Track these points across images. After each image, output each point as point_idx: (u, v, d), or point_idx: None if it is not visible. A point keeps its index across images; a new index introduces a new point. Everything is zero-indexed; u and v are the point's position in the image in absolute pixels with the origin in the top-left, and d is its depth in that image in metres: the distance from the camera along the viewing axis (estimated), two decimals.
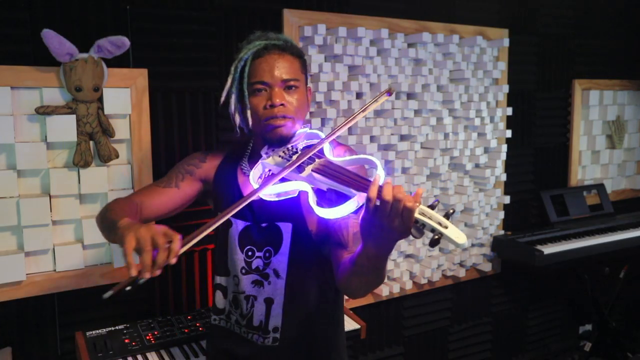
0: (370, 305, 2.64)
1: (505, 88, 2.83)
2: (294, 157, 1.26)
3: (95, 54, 1.86)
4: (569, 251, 2.85)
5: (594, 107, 3.35)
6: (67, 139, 1.87)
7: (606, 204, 3.39)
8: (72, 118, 1.87)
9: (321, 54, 2.30)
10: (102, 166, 1.96)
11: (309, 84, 1.44)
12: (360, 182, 1.10)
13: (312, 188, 1.18)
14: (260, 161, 1.33)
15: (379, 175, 1.07)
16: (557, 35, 3.18)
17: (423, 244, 2.67)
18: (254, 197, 1.18)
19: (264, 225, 1.41)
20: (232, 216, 1.39)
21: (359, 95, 2.40)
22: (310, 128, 1.40)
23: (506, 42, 2.77)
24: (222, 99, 1.38)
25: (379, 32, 2.40)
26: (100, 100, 1.91)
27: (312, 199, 1.16)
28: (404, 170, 2.58)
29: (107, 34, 1.87)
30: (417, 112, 2.57)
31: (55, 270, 1.94)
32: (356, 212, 1.10)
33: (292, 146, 1.33)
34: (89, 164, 1.92)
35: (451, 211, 1.00)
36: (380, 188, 1.01)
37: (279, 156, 1.31)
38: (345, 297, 2.40)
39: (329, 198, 1.16)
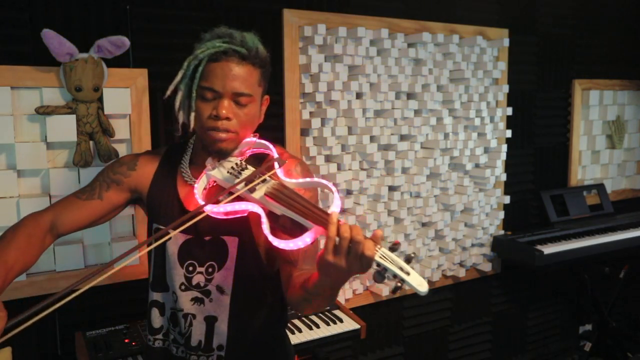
0: (370, 305, 2.64)
1: (505, 88, 2.83)
2: (244, 173, 1.19)
3: (95, 54, 1.86)
4: (569, 251, 2.85)
5: (594, 107, 3.35)
6: (67, 139, 1.87)
7: (606, 204, 3.39)
8: (72, 118, 1.87)
9: (321, 54, 2.30)
10: (102, 166, 1.96)
11: (265, 96, 1.34)
12: (317, 215, 1.05)
13: (264, 211, 1.13)
14: (205, 172, 1.27)
15: (335, 212, 1.03)
16: (557, 35, 3.18)
17: (423, 244, 2.67)
18: (201, 215, 1.12)
19: (207, 238, 1.30)
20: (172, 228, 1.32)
21: (359, 95, 2.40)
22: (258, 138, 1.32)
23: (506, 42, 2.77)
24: (168, 92, 1.27)
25: (379, 32, 2.40)
26: (100, 100, 1.91)
27: (265, 225, 1.11)
28: (404, 170, 2.58)
29: (107, 34, 1.87)
30: (417, 112, 2.57)
31: (55, 270, 1.94)
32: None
33: (241, 161, 1.26)
34: (89, 164, 1.92)
35: (412, 254, 0.97)
36: (339, 227, 0.99)
37: (228, 172, 1.24)
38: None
39: (282, 223, 1.12)
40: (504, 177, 2.88)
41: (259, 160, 1.32)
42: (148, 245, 1.12)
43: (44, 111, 1.82)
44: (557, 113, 3.26)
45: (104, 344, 1.82)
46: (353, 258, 0.97)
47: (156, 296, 1.39)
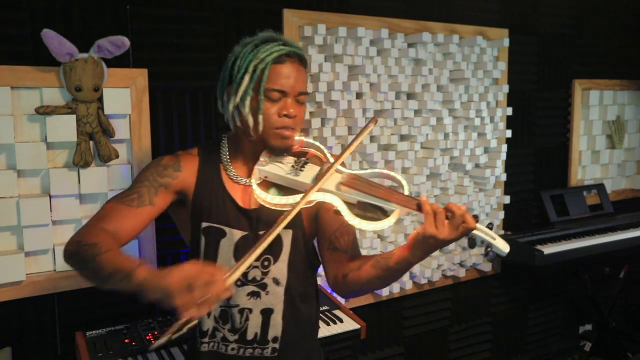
0: (370, 305, 2.64)
1: (505, 88, 2.83)
2: (306, 167, 1.30)
3: (95, 54, 1.86)
4: (569, 251, 2.85)
5: (594, 107, 3.35)
6: (67, 139, 1.87)
7: (606, 204, 3.39)
8: (72, 118, 1.87)
9: (321, 54, 2.30)
10: (102, 166, 1.96)
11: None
12: (401, 198, 1.20)
13: (341, 201, 1.22)
14: (257, 167, 1.31)
15: (423, 195, 1.21)
16: (557, 35, 3.18)
17: None
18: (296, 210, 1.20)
19: (261, 233, 1.34)
20: (225, 225, 1.34)
21: (359, 95, 2.40)
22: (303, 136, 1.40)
23: (506, 42, 2.77)
24: (238, 98, 1.30)
25: (379, 32, 2.40)
26: (100, 100, 1.91)
27: (346, 213, 1.21)
28: (404, 170, 2.58)
29: (107, 34, 1.87)
30: (417, 112, 2.57)
31: (55, 270, 1.94)
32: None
33: (299, 157, 1.35)
34: (89, 164, 1.92)
35: (490, 224, 1.19)
36: (448, 206, 1.15)
37: (291, 166, 1.31)
38: (340, 297, 2.39)
39: (358, 210, 1.21)
40: (504, 177, 2.88)
41: (297, 157, 1.38)
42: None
43: (44, 111, 1.82)
44: (557, 113, 3.26)
45: (104, 344, 1.82)
46: (454, 228, 1.14)
47: None
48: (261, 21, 2.22)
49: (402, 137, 2.55)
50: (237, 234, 1.35)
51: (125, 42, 1.87)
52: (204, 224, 1.36)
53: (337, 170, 1.28)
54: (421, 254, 1.21)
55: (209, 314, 1.39)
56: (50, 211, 1.90)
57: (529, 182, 3.19)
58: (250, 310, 1.37)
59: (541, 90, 3.16)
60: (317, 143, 1.39)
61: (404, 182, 1.27)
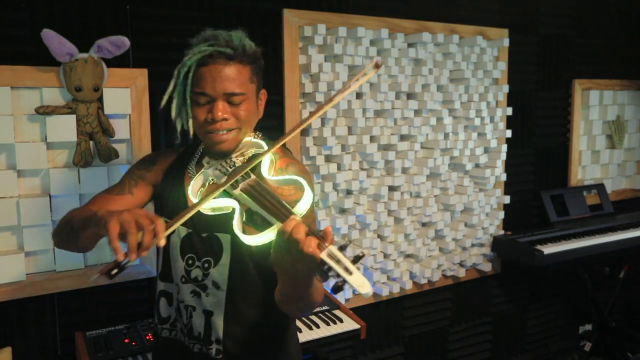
0: (370, 305, 2.64)
1: (505, 88, 2.83)
2: (230, 171, 1.22)
3: (95, 54, 1.86)
4: (569, 251, 2.85)
5: (594, 107, 3.35)
6: (67, 139, 1.87)
7: (606, 204, 3.39)
8: (72, 118, 1.87)
9: (321, 54, 2.30)
10: (102, 166, 1.96)
11: (262, 90, 1.36)
12: (280, 212, 1.07)
13: (239, 210, 1.16)
14: (202, 170, 1.30)
15: (305, 202, 1.07)
16: (557, 35, 3.18)
17: (423, 244, 2.67)
18: (193, 211, 1.16)
19: (204, 235, 1.34)
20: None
21: (358, 95, 2.40)
22: (256, 136, 1.34)
23: (506, 42, 2.77)
24: (163, 102, 1.30)
25: (379, 32, 2.40)
26: (100, 100, 1.91)
27: (237, 221, 1.13)
28: (404, 170, 2.58)
29: (107, 34, 1.87)
30: (417, 112, 2.57)
31: (55, 270, 1.94)
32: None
33: (230, 159, 1.29)
34: (89, 164, 1.92)
35: (361, 254, 0.97)
36: (295, 225, 1.00)
37: (217, 169, 1.27)
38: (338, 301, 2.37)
39: (255, 220, 1.14)
40: (504, 177, 2.88)
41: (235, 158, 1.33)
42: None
43: (44, 111, 1.82)
44: (557, 113, 3.26)
45: (104, 344, 1.82)
46: (296, 255, 0.99)
47: (164, 286, 1.42)
48: (261, 21, 2.22)
49: (402, 137, 2.55)
50: (182, 231, 1.36)
51: (125, 42, 1.87)
52: (164, 219, 1.38)
53: (251, 174, 1.20)
54: (286, 273, 1.08)
55: (170, 303, 1.41)
56: (50, 211, 1.90)
57: (529, 182, 3.19)
58: (194, 308, 1.36)
59: (541, 90, 3.16)
60: (263, 143, 1.31)
61: (306, 189, 1.12)
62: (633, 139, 3.57)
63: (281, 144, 1.24)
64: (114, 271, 1.07)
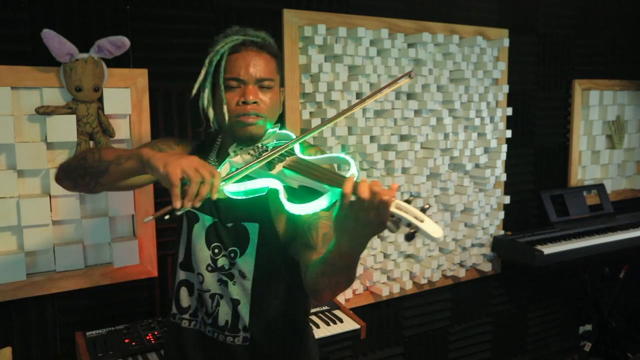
0: (370, 305, 2.64)
1: (505, 88, 2.83)
2: (264, 155, 1.22)
3: (95, 54, 1.86)
4: (569, 251, 2.85)
5: (594, 107, 3.35)
6: (67, 139, 1.87)
7: (606, 204, 3.39)
8: (72, 118, 1.87)
9: (321, 54, 2.30)
10: None
11: (282, 87, 1.42)
12: (334, 178, 1.07)
13: (282, 185, 1.17)
14: (227, 159, 1.30)
15: (354, 173, 1.07)
16: (557, 35, 3.18)
17: (423, 244, 2.67)
18: (249, 170, 1.18)
19: (229, 225, 1.37)
20: (200, 211, 1.38)
21: (358, 95, 2.40)
22: (280, 129, 1.37)
23: (506, 42, 2.77)
24: (194, 91, 1.37)
25: (379, 32, 2.40)
26: (100, 100, 1.91)
27: (282, 195, 1.13)
28: (404, 170, 2.58)
29: (107, 34, 1.87)
30: (417, 112, 2.57)
31: (55, 270, 1.94)
32: (328, 207, 1.08)
33: (261, 144, 1.31)
34: None
35: (427, 206, 0.97)
36: (356, 183, 0.99)
37: (248, 154, 1.29)
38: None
39: (300, 195, 1.14)
40: (504, 177, 2.88)
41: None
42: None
43: (44, 111, 1.82)
44: (557, 113, 3.26)
45: (104, 344, 1.82)
46: (370, 208, 0.97)
47: (185, 275, 1.44)
48: (261, 21, 2.22)
49: (402, 137, 2.55)
50: (208, 220, 1.39)
51: (125, 42, 1.87)
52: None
53: (287, 155, 1.22)
54: (347, 239, 1.04)
55: (191, 293, 1.43)
56: (50, 211, 1.90)
57: (529, 182, 3.19)
58: (221, 297, 1.38)
59: (541, 90, 3.16)
60: (291, 134, 1.33)
61: (351, 162, 1.14)
62: (633, 139, 3.57)
63: (311, 134, 1.26)
64: (167, 217, 1.10)
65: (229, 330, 1.38)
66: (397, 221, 0.96)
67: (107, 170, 1.27)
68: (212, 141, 1.48)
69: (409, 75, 1.23)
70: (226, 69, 1.32)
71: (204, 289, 1.39)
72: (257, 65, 1.31)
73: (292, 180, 1.17)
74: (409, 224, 0.94)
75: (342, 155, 1.19)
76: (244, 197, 1.21)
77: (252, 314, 1.36)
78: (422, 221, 0.94)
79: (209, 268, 1.38)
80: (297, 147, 1.25)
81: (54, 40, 1.77)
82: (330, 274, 1.13)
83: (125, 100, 1.96)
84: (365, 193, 0.97)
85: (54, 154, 1.90)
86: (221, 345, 1.39)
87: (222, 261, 1.37)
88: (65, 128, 1.86)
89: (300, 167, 1.17)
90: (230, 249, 1.36)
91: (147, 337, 1.87)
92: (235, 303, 1.37)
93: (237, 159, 1.29)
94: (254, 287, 1.35)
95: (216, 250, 1.38)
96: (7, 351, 1.89)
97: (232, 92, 1.32)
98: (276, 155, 1.21)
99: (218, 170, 1.25)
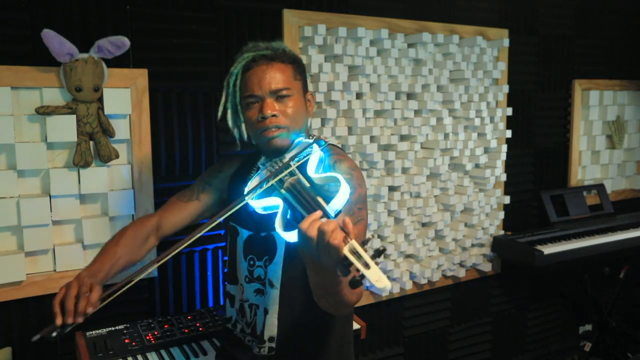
0: (371, 305, 2.64)
1: (505, 88, 2.83)
2: (277, 169, 1.26)
3: (95, 54, 1.86)
4: (569, 251, 2.85)
5: (594, 107, 3.35)
6: (67, 139, 1.87)
7: (606, 204, 3.39)
8: (72, 118, 1.87)
9: (321, 54, 2.30)
10: (102, 166, 1.96)
11: (309, 88, 1.43)
12: (313, 207, 1.09)
13: (285, 205, 1.18)
14: (257, 173, 1.34)
15: (340, 198, 1.08)
16: (557, 35, 3.18)
17: (423, 244, 2.67)
18: (238, 206, 1.22)
19: (263, 234, 1.42)
20: (239, 225, 1.45)
21: (358, 96, 2.40)
22: (307, 137, 1.37)
23: (506, 42, 2.77)
24: (219, 114, 1.41)
25: (379, 32, 2.40)
26: (100, 100, 1.91)
27: (278, 217, 1.16)
28: (404, 170, 2.58)
29: (107, 34, 1.87)
30: (417, 112, 2.57)
31: (55, 270, 1.94)
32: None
33: (282, 158, 1.32)
34: (89, 164, 1.92)
35: (381, 249, 0.96)
36: (311, 223, 1.01)
37: (268, 169, 1.32)
38: None
39: (296, 217, 1.15)
40: (504, 177, 2.88)
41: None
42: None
43: (44, 111, 1.82)
44: (557, 113, 3.26)
45: (104, 344, 1.82)
46: (322, 248, 0.98)
47: (229, 287, 1.53)
48: (261, 21, 2.22)
49: (402, 137, 2.55)
50: (245, 234, 1.46)
51: (125, 42, 1.87)
52: (231, 223, 1.50)
53: (297, 172, 1.23)
54: (312, 270, 1.09)
55: (232, 304, 1.51)
56: (50, 211, 1.90)
57: (529, 182, 3.19)
58: (258, 307, 1.43)
59: (541, 90, 3.16)
60: (304, 142, 1.33)
61: (341, 183, 1.13)
62: (633, 139, 3.57)
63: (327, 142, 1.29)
64: (54, 334, 1.17)
65: (258, 339, 1.43)
66: (348, 266, 0.95)
67: None
68: (256, 155, 1.52)
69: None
70: (242, 89, 1.35)
71: (244, 299, 1.45)
72: (269, 78, 1.33)
73: (292, 201, 1.18)
74: (357, 270, 0.93)
75: (337, 175, 1.17)
76: (264, 212, 1.25)
77: (279, 323, 1.40)
78: (368, 268, 0.92)
79: (247, 279, 1.45)
80: (314, 159, 1.25)
81: (54, 40, 1.77)
82: (319, 297, 1.18)
83: (125, 100, 1.96)
84: (312, 232, 0.99)
85: (54, 154, 1.90)
86: (253, 355, 1.44)
87: (258, 271, 1.42)
88: (65, 128, 1.86)
89: (294, 191, 1.17)
90: (264, 258, 1.41)
91: (147, 337, 1.87)
92: (265, 312, 1.41)
93: (265, 172, 1.32)
94: (282, 295, 1.39)
95: (251, 262, 1.43)
96: (7, 351, 1.89)
97: (252, 109, 1.35)
98: (285, 174, 1.22)
99: (249, 182, 1.30)
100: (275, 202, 1.22)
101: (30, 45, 1.83)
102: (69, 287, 1.21)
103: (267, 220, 1.35)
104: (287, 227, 1.15)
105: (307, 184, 1.19)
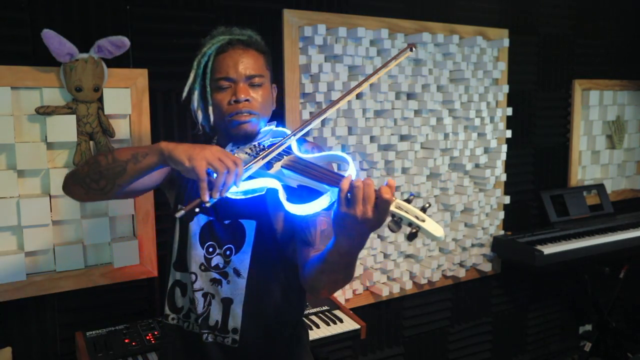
0: (370, 305, 2.64)
1: (505, 88, 2.83)
2: (262, 154, 1.21)
3: (95, 54, 1.86)
4: (569, 251, 2.85)
5: (594, 107, 3.35)
6: (67, 139, 1.87)
7: (606, 204, 3.39)
8: (72, 118, 1.87)
9: (321, 54, 2.30)
10: None
11: (273, 84, 1.42)
12: (333, 177, 1.08)
13: (281, 185, 1.16)
14: None
15: (352, 171, 1.06)
16: (557, 35, 3.18)
17: (423, 244, 2.67)
18: (259, 164, 1.19)
19: (227, 222, 1.35)
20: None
21: (358, 96, 2.40)
22: (277, 126, 1.37)
23: (506, 42, 2.77)
24: (184, 94, 1.36)
25: (379, 32, 2.40)
26: (100, 100, 1.91)
27: (282, 196, 1.13)
28: (404, 170, 2.58)
29: (107, 34, 1.87)
30: (417, 112, 2.57)
31: (55, 270, 1.94)
32: (328, 208, 1.08)
33: (258, 143, 1.30)
34: None
35: (427, 205, 0.98)
36: (353, 180, 1.00)
37: (245, 153, 1.28)
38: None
39: (299, 195, 1.14)
40: (504, 177, 2.88)
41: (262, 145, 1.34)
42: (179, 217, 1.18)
43: (44, 111, 1.82)
44: (557, 113, 3.26)
45: (104, 344, 1.82)
46: (368, 205, 0.98)
47: (179, 276, 1.42)
48: (261, 21, 2.22)
49: (402, 137, 2.55)
50: (202, 219, 1.37)
51: (125, 42, 1.87)
52: (180, 206, 1.38)
53: (285, 153, 1.22)
54: (346, 237, 1.04)
55: (184, 294, 1.41)
56: (50, 211, 1.90)
57: (529, 182, 3.19)
58: (213, 296, 1.35)
59: (541, 90, 3.16)
60: (287, 131, 1.32)
61: (349, 160, 1.14)
62: (633, 139, 3.57)
63: (307, 128, 1.25)
64: (197, 209, 1.11)
65: (219, 330, 1.35)
66: (399, 221, 0.96)
67: (124, 170, 1.25)
68: (208, 142, 1.47)
69: (410, 49, 1.24)
70: (214, 70, 1.31)
71: (196, 288, 1.37)
72: (245, 63, 1.31)
73: (290, 179, 1.17)
74: (410, 224, 0.94)
75: (340, 153, 1.19)
76: (243, 197, 1.20)
77: (245, 314, 1.34)
78: (423, 221, 0.94)
79: (202, 267, 1.36)
80: (294, 145, 1.25)
81: (54, 40, 1.77)
82: (329, 271, 1.14)
83: (125, 100, 1.96)
84: (359, 187, 0.98)
85: (54, 154, 1.90)
86: (210, 346, 1.36)
87: (216, 260, 1.35)
88: (65, 128, 1.86)
89: (298, 166, 1.16)
90: (225, 246, 1.35)
91: (147, 337, 1.87)
92: (227, 302, 1.35)
93: (242, 155, 1.28)
94: (249, 286, 1.33)
95: (210, 249, 1.36)
96: (7, 351, 1.89)
97: (223, 92, 1.32)
98: (274, 153, 1.20)
99: None
100: (262, 184, 1.19)
101: (30, 45, 1.83)
102: (213, 161, 1.10)
103: (234, 207, 1.31)
104: (292, 200, 1.13)
105: (309, 160, 1.18)
